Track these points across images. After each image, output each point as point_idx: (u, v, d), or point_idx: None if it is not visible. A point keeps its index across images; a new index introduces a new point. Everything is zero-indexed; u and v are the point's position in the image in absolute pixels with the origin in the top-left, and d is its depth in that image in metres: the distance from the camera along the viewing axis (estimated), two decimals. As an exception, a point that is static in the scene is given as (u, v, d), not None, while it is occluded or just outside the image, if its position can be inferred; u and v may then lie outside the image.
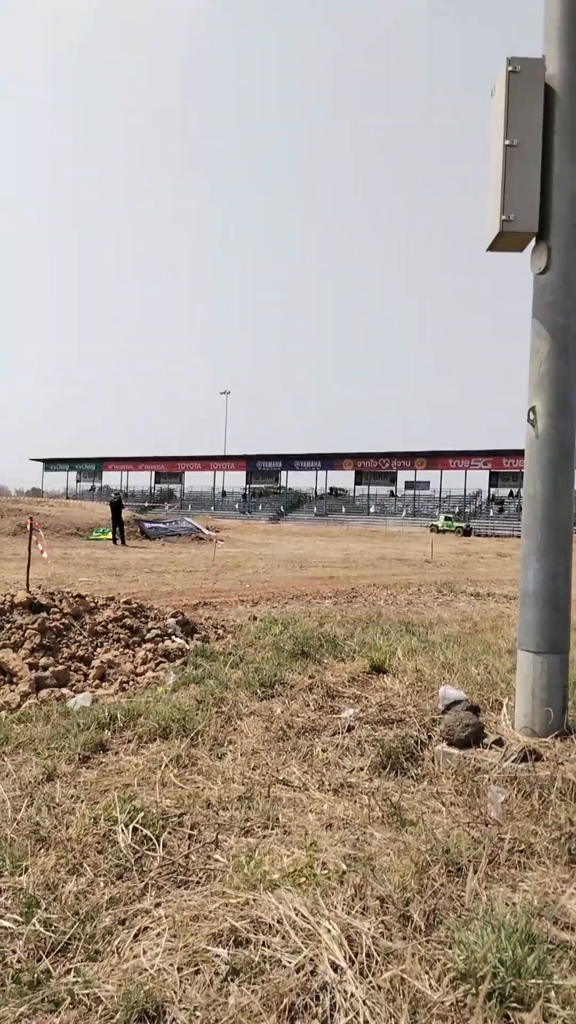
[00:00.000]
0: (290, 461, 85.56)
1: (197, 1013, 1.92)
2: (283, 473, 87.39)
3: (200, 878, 2.59)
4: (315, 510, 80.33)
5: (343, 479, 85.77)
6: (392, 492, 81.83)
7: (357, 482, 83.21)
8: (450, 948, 2.05)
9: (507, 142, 3.91)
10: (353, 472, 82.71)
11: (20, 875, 2.56)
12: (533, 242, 4.01)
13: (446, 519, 63.70)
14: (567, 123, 3.94)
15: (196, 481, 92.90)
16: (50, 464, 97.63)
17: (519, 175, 3.90)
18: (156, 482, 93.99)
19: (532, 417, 3.96)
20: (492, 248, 4.10)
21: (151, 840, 2.80)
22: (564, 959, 2.07)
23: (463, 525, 62.67)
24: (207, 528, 36.01)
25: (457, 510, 74.16)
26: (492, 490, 75.43)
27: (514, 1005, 1.84)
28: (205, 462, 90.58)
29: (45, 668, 5.52)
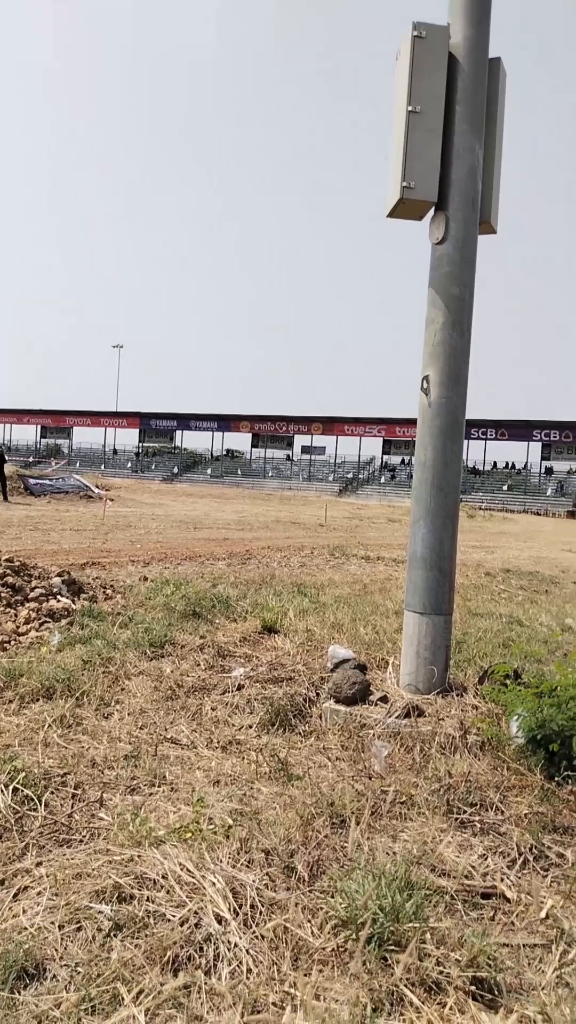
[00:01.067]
0: (186, 421, 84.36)
1: (78, 969, 1.90)
2: (178, 433, 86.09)
3: (84, 836, 2.56)
4: (210, 471, 79.88)
5: (240, 441, 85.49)
6: (289, 456, 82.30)
7: (254, 445, 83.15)
8: (332, 897, 2.12)
9: (410, 108, 3.91)
10: (250, 435, 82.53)
11: None
12: (432, 211, 4.05)
13: None
14: (469, 94, 3.98)
15: (85, 437, 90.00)
16: None
17: (421, 143, 3.92)
18: (42, 436, 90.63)
19: (425, 386, 4.04)
20: (392, 215, 4.11)
21: (32, 800, 2.74)
22: (440, 903, 2.18)
23: None
24: (96, 486, 35.05)
25: (350, 475, 75.51)
26: (385, 457, 77.13)
27: (392, 948, 1.92)
28: (95, 418, 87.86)
29: None
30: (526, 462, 73.63)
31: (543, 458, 72.77)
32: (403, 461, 74.13)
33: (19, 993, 1.84)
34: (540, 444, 71.72)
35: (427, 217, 4.12)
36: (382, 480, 73.57)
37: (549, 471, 72.40)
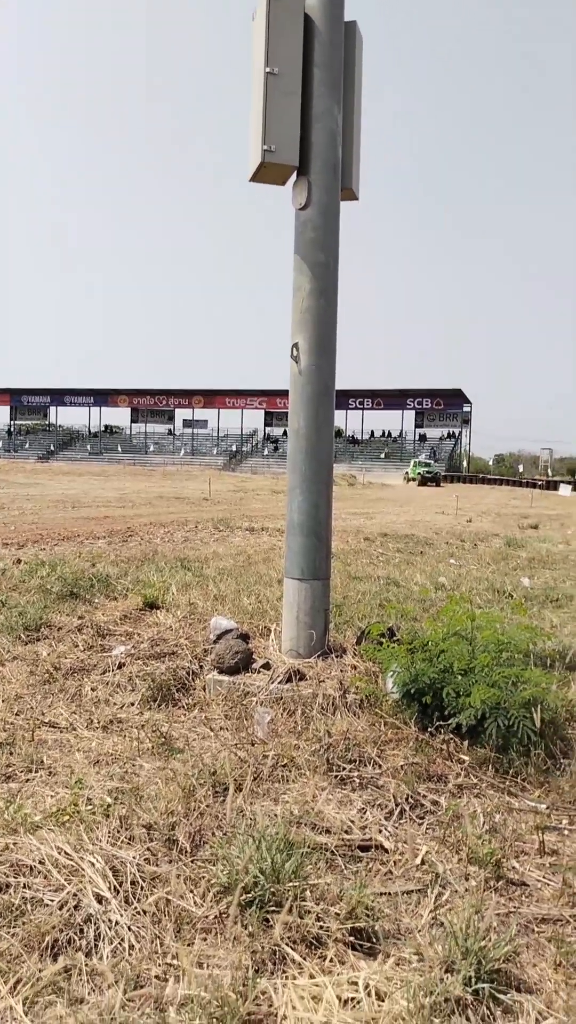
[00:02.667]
0: (60, 396, 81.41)
1: (-50, 968, 1.82)
2: (52, 409, 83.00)
3: (-44, 831, 2.45)
4: (89, 448, 77.67)
5: (119, 416, 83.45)
6: (170, 430, 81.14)
7: (133, 419, 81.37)
8: (214, 865, 2.12)
9: (268, 70, 3.86)
10: (129, 409, 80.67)
11: None
12: (294, 176, 4.03)
13: (420, 464, 62.68)
14: (326, 57, 3.96)
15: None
16: None
17: (280, 106, 3.88)
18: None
19: (295, 354, 4.05)
20: (255, 179, 4.06)
21: None
22: (320, 860, 2.23)
23: (431, 471, 60.59)
24: (-32, 468, 33.37)
25: (234, 448, 75.30)
26: (267, 429, 77.38)
27: (273, 908, 1.94)
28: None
29: None
30: (401, 430, 75.78)
31: (417, 425, 75.11)
32: (285, 433, 74.57)
33: None
34: (414, 412, 73.96)
35: (290, 182, 4.10)
36: (265, 452, 73.89)
37: (423, 438, 74.81)
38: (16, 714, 3.50)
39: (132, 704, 3.66)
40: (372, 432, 76.39)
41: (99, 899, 2.01)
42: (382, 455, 70.85)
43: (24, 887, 2.07)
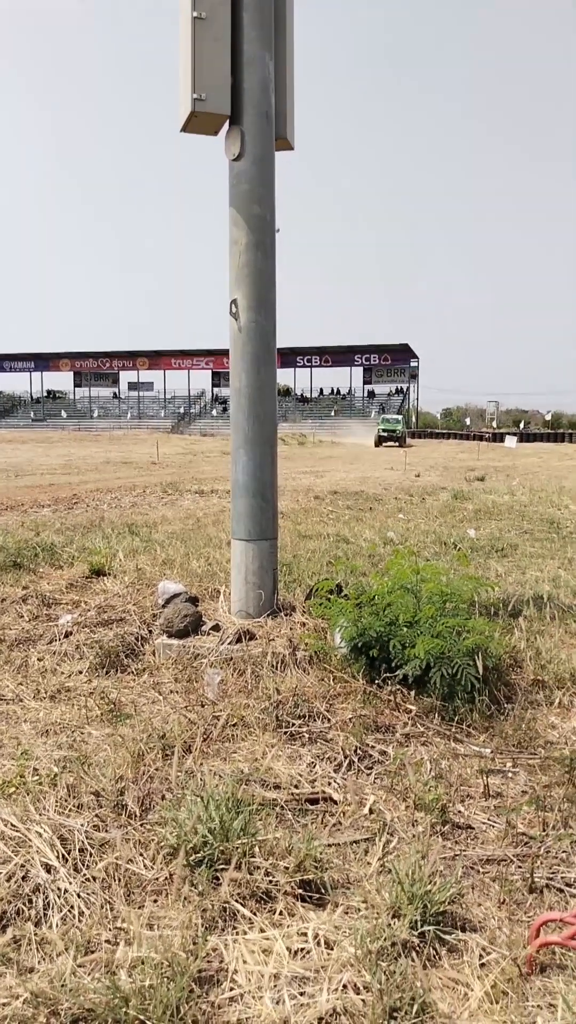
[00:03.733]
0: (-1, 362, 79.18)
1: None
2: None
3: None
4: (32, 415, 75.90)
5: (61, 381, 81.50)
6: (115, 394, 79.70)
7: (77, 384, 79.62)
8: (163, 828, 2.13)
9: (195, 14, 3.71)
10: (72, 373, 78.86)
11: None
12: (226, 126, 3.91)
13: (386, 421, 49.58)
14: (255, 0, 3.82)
15: None
16: None
17: (209, 52, 3.74)
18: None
19: (234, 310, 3.97)
20: (186, 129, 3.92)
21: None
22: (270, 816, 2.25)
23: (389, 428, 47.90)
24: None
25: (182, 411, 74.43)
26: (215, 390, 76.55)
27: (223, 867, 1.96)
28: None
29: None
30: (350, 387, 75.75)
31: (365, 382, 75.14)
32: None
33: None
34: (362, 369, 73.91)
35: (222, 132, 3.98)
36: (214, 413, 73.21)
37: (371, 394, 74.97)
38: (-40, 688, 3.43)
39: (80, 672, 3.63)
40: (321, 390, 76.18)
41: (47, 868, 2.00)
42: (331, 413, 70.74)
43: (-30, 861, 2.05)
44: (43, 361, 78.14)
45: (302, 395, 75.66)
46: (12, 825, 2.14)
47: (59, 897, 1.91)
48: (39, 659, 3.79)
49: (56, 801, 2.27)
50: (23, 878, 1.97)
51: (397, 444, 45.14)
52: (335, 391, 76.59)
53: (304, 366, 73.44)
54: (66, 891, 1.92)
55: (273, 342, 4.06)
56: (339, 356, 72.90)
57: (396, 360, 72.59)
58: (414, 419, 71.44)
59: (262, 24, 3.86)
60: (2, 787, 2.38)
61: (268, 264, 3.96)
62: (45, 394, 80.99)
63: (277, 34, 4.02)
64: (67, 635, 4.10)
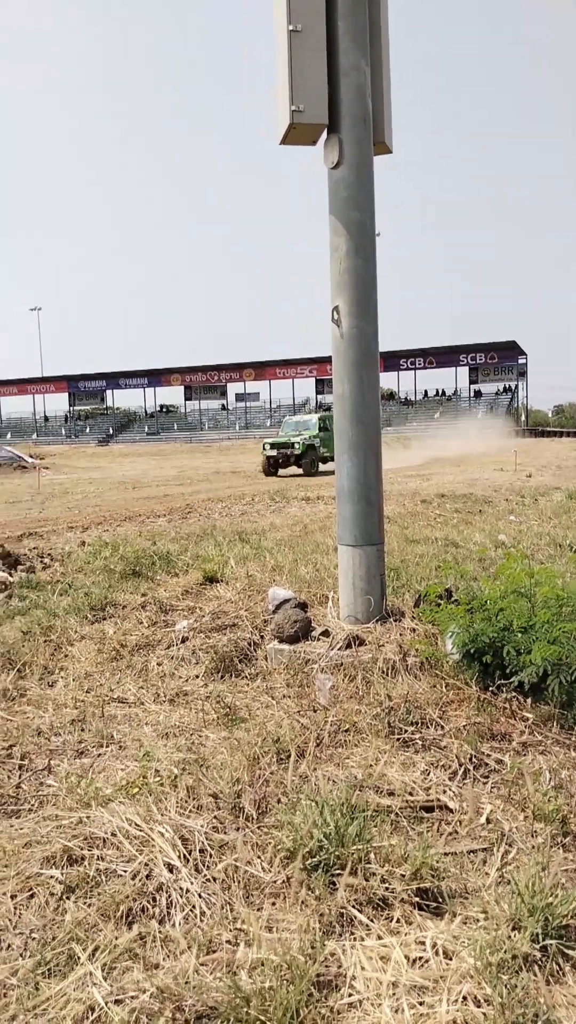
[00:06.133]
0: (115, 379, 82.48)
1: (33, 935, 1.90)
2: (108, 392, 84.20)
3: (32, 805, 2.55)
4: (146, 429, 78.65)
5: (172, 395, 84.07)
6: (223, 405, 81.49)
7: (187, 397, 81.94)
8: (279, 831, 2.16)
9: (291, 27, 3.76)
10: (182, 387, 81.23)
11: None
12: (325, 134, 3.94)
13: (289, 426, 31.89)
14: (350, 8, 3.84)
15: (14, 407, 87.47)
16: None
17: (306, 63, 3.78)
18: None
19: (336, 317, 3.99)
20: (285, 141, 3.98)
21: (-22, 777, 2.71)
22: (384, 822, 2.24)
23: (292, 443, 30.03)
24: (30, 456, 34.25)
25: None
26: (319, 397, 76.95)
27: (339, 872, 1.97)
28: (21, 385, 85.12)
29: None
30: (455, 388, 74.34)
31: (471, 382, 73.55)
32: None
33: (-25, 966, 1.83)
34: (467, 368, 72.41)
35: (321, 141, 4.01)
36: (318, 420, 73.48)
37: (478, 394, 73.29)
38: (87, 691, 3.60)
39: (196, 677, 3.73)
40: (425, 392, 75.12)
41: (170, 868, 2.07)
42: (436, 415, 69.62)
43: (98, 859, 2.15)
44: (155, 377, 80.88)
45: (406, 398, 74.92)
46: (136, 825, 2.22)
47: (181, 896, 1.97)
48: (158, 664, 3.92)
49: (177, 802, 2.35)
50: (147, 876, 2.04)
51: (301, 470, 25.23)
52: (440, 392, 75.33)
53: (407, 369, 72.73)
54: (188, 891, 1.98)
55: (375, 346, 4.05)
56: (443, 357, 71.74)
57: (503, 358, 70.72)
58: (524, 417, 69.14)
59: (357, 31, 3.87)
60: (126, 787, 2.47)
61: (369, 269, 3.96)
62: (158, 408, 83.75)
63: (372, 39, 4.02)
64: (183, 640, 4.23)
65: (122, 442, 71.19)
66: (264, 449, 25.92)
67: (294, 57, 3.79)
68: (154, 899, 1.97)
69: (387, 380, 70.83)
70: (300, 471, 25.34)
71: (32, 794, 2.62)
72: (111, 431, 78.07)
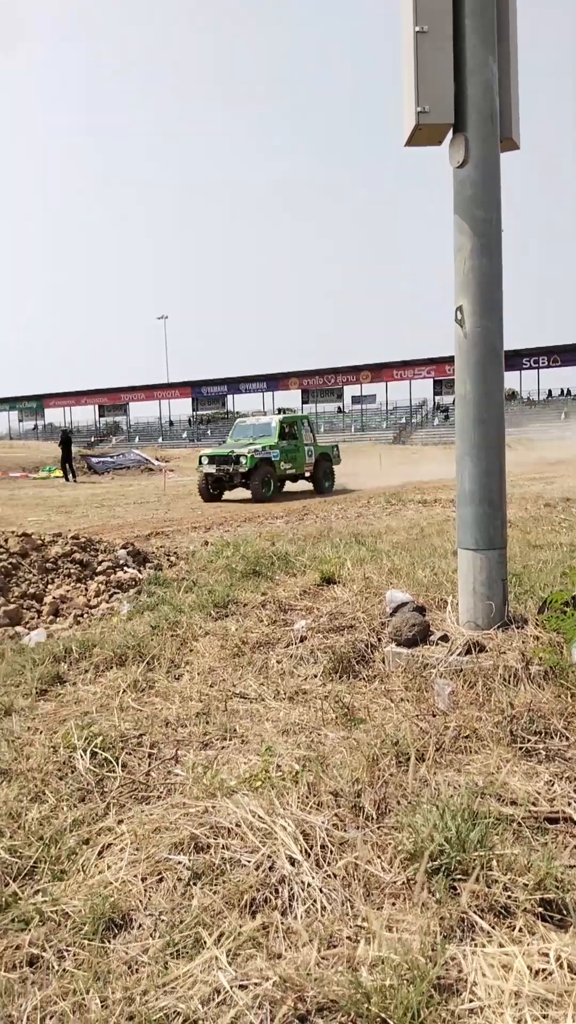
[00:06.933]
0: (235, 384, 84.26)
1: (162, 917, 2.00)
2: (229, 397, 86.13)
3: (161, 792, 2.67)
4: (265, 432, 79.70)
5: (290, 399, 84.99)
6: (340, 408, 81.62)
7: (304, 401, 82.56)
8: (399, 832, 2.16)
9: (417, 28, 3.75)
10: (299, 391, 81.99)
11: (-18, 809, 2.60)
12: (450, 134, 3.90)
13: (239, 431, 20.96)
14: (478, 5, 3.78)
15: (141, 412, 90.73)
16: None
17: (432, 63, 3.76)
18: (100, 415, 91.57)
19: (460, 316, 3.94)
20: (410, 143, 3.97)
21: (111, 762, 2.87)
22: (506, 831, 2.20)
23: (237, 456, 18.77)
24: (156, 459, 35.59)
25: (403, 421, 74.45)
26: (437, 398, 75.68)
27: (460, 877, 1.96)
28: (148, 391, 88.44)
29: (-4, 609, 5.49)
30: (584, 386, 71.15)
31: (602, 380, 70.05)
32: (455, 400, 72.55)
33: (109, 942, 1.94)
34: (597, 366, 69.20)
35: (446, 141, 3.98)
36: (435, 422, 72.36)
37: (609, 393, 69.86)
38: (210, 686, 3.72)
39: (315, 676, 3.78)
40: (550, 391, 72.42)
41: (292, 861, 2.11)
42: (562, 415, 66.94)
43: (223, 848, 2.23)
44: (274, 381, 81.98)
45: (529, 398, 72.50)
46: (259, 817, 2.29)
47: (303, 890, 2.01)
48: (278, 661, 4.00)
49: (298, 798, 2.39)
50: (270, 868, 2.10)
51: (250, 494, 17.54)
52: (565, 392, 72.42)
53: (530, 368, 70.34)
54: (309, 885, 2.02)
55: (500, 345, 3.97)
56: (569, 355, 68.90)
57: None
58: None
59: (485, 29, 3.81)
60: (249, 780, 2.55)
61: (494, 267, 3.89)
62: (276, 412, 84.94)
63: (500, 35, 3.95)
64: (302, 640, 4.29)
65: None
66: (200, 464, 18.38)
67: (420, 58, 3.78)
68: (276, 890, 2.03)
69: (509, 380, 68.75)
70: (251, 495, 17.39)
71: (161, 782, 2.74)
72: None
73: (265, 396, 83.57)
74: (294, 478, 19.23)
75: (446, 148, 3.98)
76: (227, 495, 18.28)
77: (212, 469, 17.75)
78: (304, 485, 19.85)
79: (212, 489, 17.93)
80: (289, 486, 19.58)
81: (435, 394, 75.95)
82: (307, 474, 19.22)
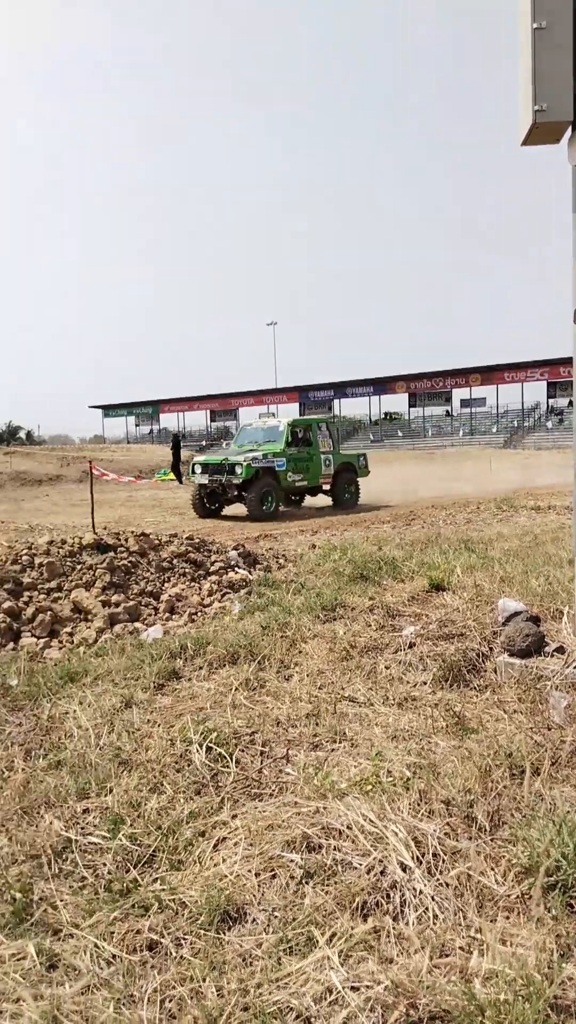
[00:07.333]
0: (342, 388, 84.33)
1: (276, 913, 2.05)
2: (336, 401, 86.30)
3: (273, 790, 2.72)
4: (370, 436, 79.49)
5: (397, 403, 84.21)
6: (448, 412, 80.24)
7: (411, 404, 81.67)
8: (514, 845, 2.13)
9: (535, 25, 3.67)
10: (407, 394, 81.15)
11: (106, 795, 2.74)
12: (569, 132, 3.79)
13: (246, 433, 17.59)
14: (601, -2, 3.67)
15: (251, 416, 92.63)
16: (109, 410, 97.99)
17: (550, 61, 3.67)
18: (212, 420, 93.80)
19: (580, 319, 3.82)
20: (527, 142, 3.89)
21: (225, 758, 2.95)
22: (629, 851, 2.12)
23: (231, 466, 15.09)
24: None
25: (515, 424, 72.43)
26: (551, 401, 73.17)
27: (576, 894, 1.91)
28: (258, 396, 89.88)
29: (117, 604, 5.74)
30: None
31: None
32: (570, 403, 69.95)
33: (224, 934, 2.01)
34: None
35: (564, 139, 3.87)
36: (549, 425, 70.00)
37: None
38: (319, 688, 3.76)
39: (424, 683, 3.75)
40: None
41: (403, 867, 2.12)
42: None
43: (335, 849, 2.25)
44: (380, 385, 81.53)
45: None
46: (371, 821, 2.30)
47: (414, 897, 2.01)
48: (386, 667, 4.00)
49: (409, 804, 2.39)
50: (381, 873, 2.11)
51: (246, 510, 14.75)
52: None
53: None
54: (421, 892, 2.02)
55: (623, 349, 3.81)
56: None
57: None
58: None
59: (608, 22, 3.68)
60: (360, 784, 2.57)
61: (618, 268, 3.75)
62: (382, 416, 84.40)
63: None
64: (411, 646, 4.27)
65: (347, 449, 72.56)
66: (191, 473, 15.86)
67: (538, 55, 3.70)
68: (388, 895, 2.04)
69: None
70: (246, 511, 14.67)
71: (272, 780, 2.80)
72: (338, 438, 79.69)
73: (371, 400, 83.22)
74: (306, 491, 16.45)
75: (564, 146, 3.88)
76: (227, 510, 15.72)
77: (205, 480, 14.99)
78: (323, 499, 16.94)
79: (208, 503, 15.30)
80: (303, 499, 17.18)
81: (549, 396, 73.46)
82: (325, 487, 16.23)
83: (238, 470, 14.24)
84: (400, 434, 78.14)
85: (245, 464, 14.15)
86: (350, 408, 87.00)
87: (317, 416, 18.28)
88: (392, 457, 48.40)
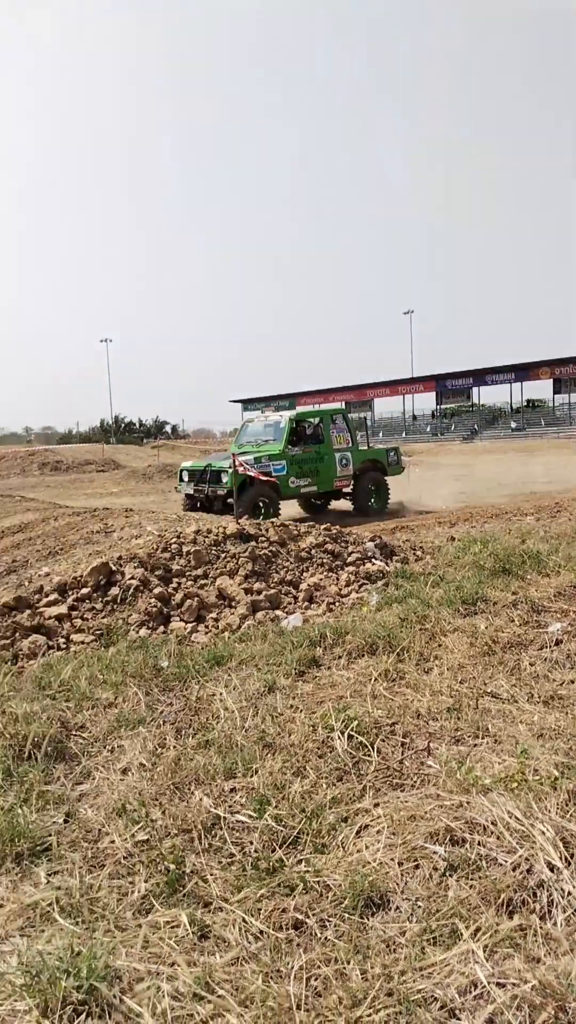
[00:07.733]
0: (481, 376, 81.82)
1: (419, 903, 2.06)
2: (474, 390, 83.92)
3: (414, 782, 2.72)
4: (512, 425, 76.76)
5: (540, 389, 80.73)
6: (597, 398, 76.08)
7: (556, 391, 78.08)
8: None
9: None
10: (551, 380, 77.66)
11: (251, 776, 2.84)
12: None
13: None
14: None
15: (386, 407, 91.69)
16: (248, 404, 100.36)
17: None
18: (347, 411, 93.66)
19: None
20: None
21: (366, 747, 2.98)
22: None
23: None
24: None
25: None
26: None
27: None
28: (393, 386, 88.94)
29: (259, 592, 5.89)
30: None
31: None
32: None
33: (367, 919, 2.04)
34: None
35: None
36: None
37: None
38: (460, 682, 3.71)
39: (572, 682, 3.62)
40: None
41: (551, 867, 2.07)
42: None
43: (479, 844, 2.23)
44: (523, 371, 78.48)
45: None
46: (516, 818, 2.26)
47: (562, 898, 1.96)
48: (530, 664, 3.88)
49: (557, 804, 2.33)
50: (527, 871, 2.07)
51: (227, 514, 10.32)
52: None
53: None
54: (570, 893, 1.97)
55: None
56: None
57: None
58: None
59: None
60: (505, 780, 2.52)
61: None
62: (524, 404, 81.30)
63: None
64: (557, 643, 4.12)
65: (486, 439, 70.44)
66: (180, 481, 13.85)
67: None
68: (534, 894, 2.00)
69: None
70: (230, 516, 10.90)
71: (414, 772, 2.80)
72: (476, 428, 77.59)
73: (513, 387, 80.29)
74: (318, 497, 14.33)
75: None
76: (334, 504, 14.75)
77: (191, 490, 13.08)
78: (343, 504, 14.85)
79: (197, 506, 12.93)
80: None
81: None
82: (345, 490, 13.95)
83: (223, 478, 12.09)
84: (543, 422, 74.94)
85: (231, 472, 11.44)
86: (489, 396, 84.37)
87: (330, 407, 15.25)
88: (536, 446, 46.55)
